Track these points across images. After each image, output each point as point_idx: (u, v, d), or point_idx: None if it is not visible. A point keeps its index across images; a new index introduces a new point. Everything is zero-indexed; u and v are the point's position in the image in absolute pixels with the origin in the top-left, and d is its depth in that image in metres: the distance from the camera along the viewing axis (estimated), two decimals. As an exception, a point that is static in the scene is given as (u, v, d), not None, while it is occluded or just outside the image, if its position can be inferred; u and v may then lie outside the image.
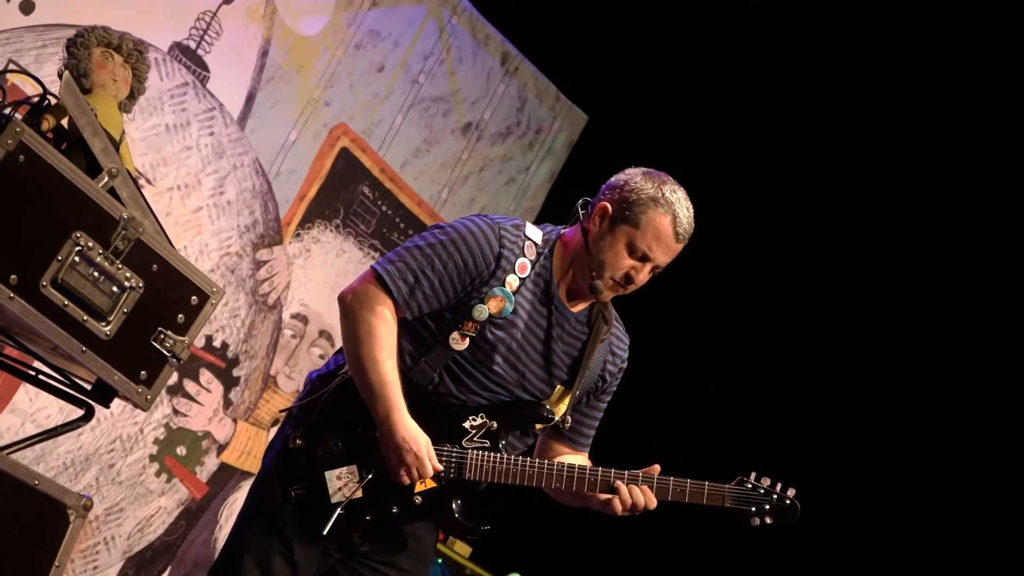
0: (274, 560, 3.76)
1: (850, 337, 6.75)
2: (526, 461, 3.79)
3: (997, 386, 6.37)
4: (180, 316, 3.53)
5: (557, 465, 3.80)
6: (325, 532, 3.68)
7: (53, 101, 3.46)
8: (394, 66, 6.67)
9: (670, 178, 3.86)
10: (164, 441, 6.15)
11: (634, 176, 3.85)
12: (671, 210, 3.78)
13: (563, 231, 3.94)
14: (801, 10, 6.63)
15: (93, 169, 3.42)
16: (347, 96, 6.52)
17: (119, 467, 5.97)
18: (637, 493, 3.80)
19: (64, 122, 3.46)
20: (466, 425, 3.78)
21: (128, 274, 3.41)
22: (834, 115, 6.76)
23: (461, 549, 6.80)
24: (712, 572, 6.93)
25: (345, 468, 3.74)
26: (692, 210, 3.83)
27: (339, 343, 4.00)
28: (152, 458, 6.10)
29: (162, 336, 3.49)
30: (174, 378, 5.61)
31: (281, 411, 3.95)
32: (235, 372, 6.36)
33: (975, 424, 6.38)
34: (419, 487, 3.74)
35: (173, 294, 3.51)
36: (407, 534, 3.84)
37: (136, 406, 3.51)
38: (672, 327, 6.72)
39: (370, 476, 3.70)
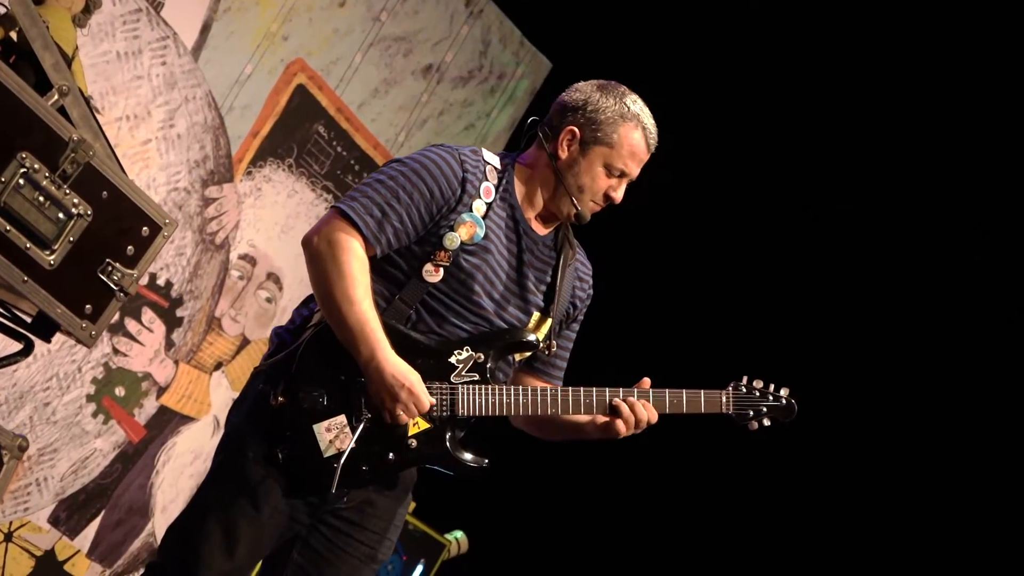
0: (239, 522, 3.64)
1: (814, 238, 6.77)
2: (519, 390, 3.75)
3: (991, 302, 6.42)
4: (129, 248, 3.38)
5: (551, 390, 3.77)
6: (334, 489, 3.59)
7: (1, 11, 3.23)
8: (356, 2, 6.55)
9: (623, 87, 3.86)
10: (102, 381, 6.03)
11: (591, 94, 3.82)
12: (640, 122, 3.81)
13: (519, 157, 3.89)
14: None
15: (42, 85, 3.24)
16: (306, 31, 6.40)
17: (54, 406, 5.87)
18: (639, 408, 3.79)
19: (13, 34, 3.28)
20: (452, 360, 3.71)
21: (76, 200, 3.26)
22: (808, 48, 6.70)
23: None
24: (657, 518, 6.92)
25: (334, 419, 3.63)
26: (652, 116, 3.86)
27: (288, 286, 3.83)
28: (89, 398, 6.00)
29: (110, 268, 3.34)
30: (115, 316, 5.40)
31: (256, 369, 3.80)
32: (178, 312, 6.25)
33: (968, 327, 6.44)
34: (412, 429, 3.66)
35: (123, 224, 3.35)
36: (381, 492, 3.76)
37: (79, 342, 3.33)
38: (629, 241, 6.67)
39: (362, 424, 3.60)
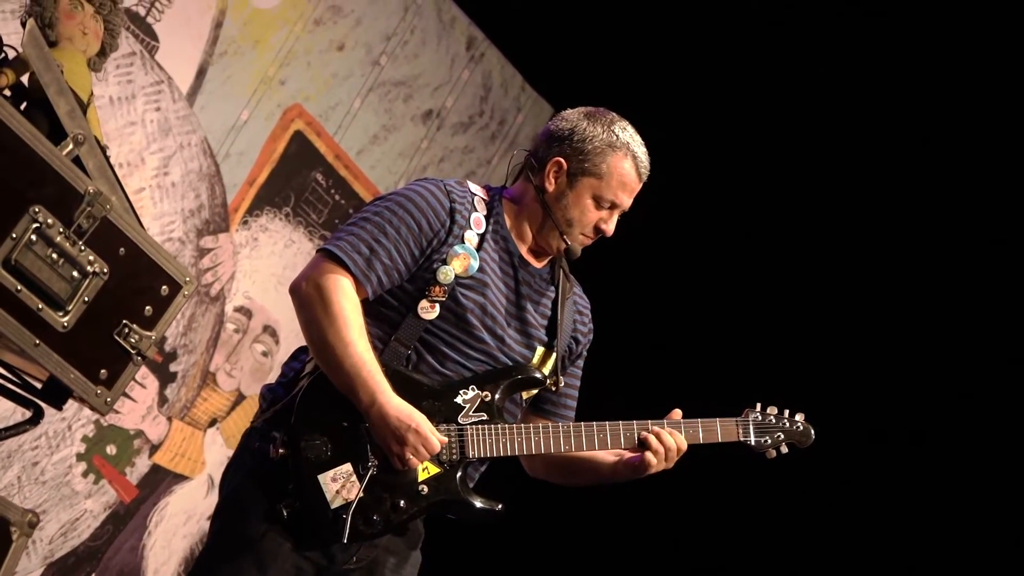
0: None
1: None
2: (530, 428, 3.62)
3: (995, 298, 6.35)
4: (148, 308, 3.18)
5: (564, 426, 3.67)
6: (345, 539, 3.42)
7: (12, 54, 3.03)
8: (355, 45, 6.46)
9: (612, 113, 3.76)
10: (93, 439, 5.87)
11: (578, 122, 3.71)
12: (629, 151, 3.70)
13: (503, 189, 3.80)
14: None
15: (56, 134, 3.08)
16: (304, 75, 6.31)
17: (43, 465, 5.71)
18: (666, 437, 3.68)
19: (24, 79, 3.06)
20: (458, 400, 3.57)
21: (92, 257, 3.06)
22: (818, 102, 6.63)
23: None
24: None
25: (339, 468, 3.47)
26: (643, 143, 3.75)
27: (284, 339, 3.66)
28: (80, 457, 5.83)
29: (127, 330, 3.15)
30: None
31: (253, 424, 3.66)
32: (172, 367, 6.11)
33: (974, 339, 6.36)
34: (422, 475, 3.51)
35: (141, 282, 3.16)
36: (391, 549, 3.61)
37: (94, 409, 3.14)
38: (621, 271, 6.51)
39: (370, 471, 3.45)
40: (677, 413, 3.75)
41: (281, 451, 3.47)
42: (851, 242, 6.62)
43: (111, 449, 5.96)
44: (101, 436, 5.91)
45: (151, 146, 5.81)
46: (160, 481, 6.20)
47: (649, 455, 3.67)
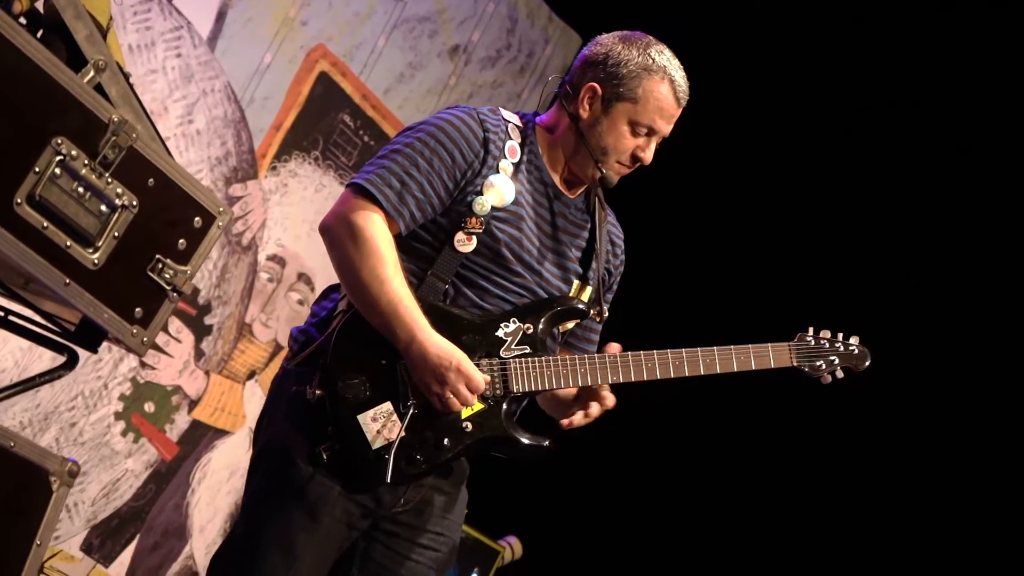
0: (297, 538, 3.39)
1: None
2: (575, 359, 3.52)
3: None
4: (181, 241, 3.03)
5: (610, 357, 3.55)
6: (388, 479, 3.33)
7: (24, -21, 2.87)
8: None
9: (650, 37, 3.64)
10: (130, 397, 5.85)
11: (613, 46, 3.59)
12: (666, 75, 3.56)
13: (539, 116, 3.69)
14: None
15: (75, 61, 2.89)
16: (326, 15, 6.19)
17: (81, 426, 5.69)
18: (607, 401, 3.60)
19: (40, 4, 2.93)
20: (499, 334, 3.47)
21: (120, 190, 2.90)
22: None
23: None
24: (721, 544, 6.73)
25: (379, 408, 3.38)
26: (682, 67, 3.61)
27: (320, 287, 3.54)
28: (118, 416, 5.81)
29: (160, 265, 3.00)
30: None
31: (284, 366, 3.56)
32: (207, 320, 6.08)
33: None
34: (465, 412, 3.41)
35: (173, 215, 3.00)
36: (438, 489, 3.52)
37: (130, 350, 3.00)
38: (663, 200, 6.47)
39: (411, 410, 3.36)
40: (614, 346, 3.61)
41: (318, 392, 3.38)
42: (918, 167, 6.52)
43: (149, 406, 5.93)
44: (139, 393, 5.87)
45: (173, 94, 5.74)
46: (201, 437, 6.18)
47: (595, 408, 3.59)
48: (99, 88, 2.90)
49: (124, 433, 5.85)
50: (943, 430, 6.21)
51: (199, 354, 6.05)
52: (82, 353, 3.12)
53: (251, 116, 6.04)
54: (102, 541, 5.90)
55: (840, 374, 3.71)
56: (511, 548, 6.65)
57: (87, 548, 5.85)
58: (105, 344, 3.07)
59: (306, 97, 6.22)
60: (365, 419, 3.36)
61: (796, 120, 6.65)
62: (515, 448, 3.48)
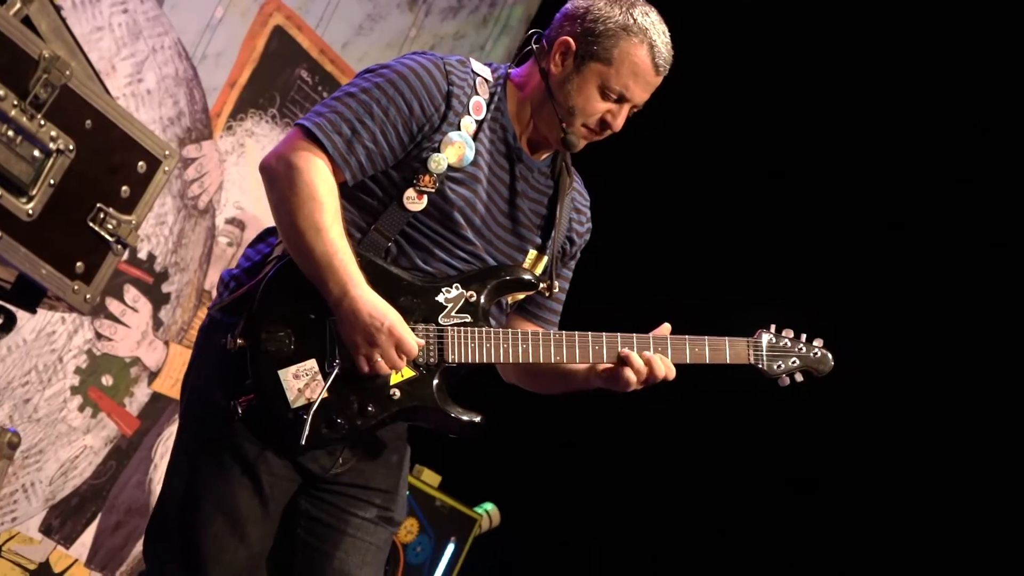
0: (240, 497, 3.26)
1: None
2: (517, 334, 3.37)
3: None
4: (124, 188, 2.92)
5: (555, 335, 3.41)
6: (303, 442, 3.17)
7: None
8: None
9: None
10: (87, 370, 5.67)
11: (596, 1, 3.41)
12: (646, 38, 3.37)
13: (511, 70, 3.51)
14: None
15: None
16: None
17: (36, 402, 5.53)
18: (656, 363, 3.42)
19: None
20: (439, 299, 3.32)
21: (54, 133, 2.79)
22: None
23: (429, 479, 6.47)
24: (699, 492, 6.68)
25: (303, 364, 3.22)
26: (668, 34, 3.43)
27: None
28: (74, 390, 5.65)
29: (102, 215, 2.88)
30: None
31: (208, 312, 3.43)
32: (164, 288, 5.91)
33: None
34: (394, 378, 3.26)
35: (114, 159, 2.89)
36: (378, 444, 3.40)
37: (72, 308, 2.85)
38: (635, 168, 6.34)
39: (335, 370, 3.20)
40: (665, 328, 3.51)
41: (239, 342, 3.22)
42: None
43: (107, 380, 5.79)
44: (95, 366, 5.73)
45: (121, 52, 5.55)
46: (162, 410, 6.03)
47: (629, 373, 3.42)
48: (27, 21, 2.75)
49: (81, 408, 5.71)
50: (936, 428, 6.18)
51: (158, 323, 5.91)
52: (36, 324, 2.90)
53: (204, 73, 5.87)
54: (62, 521, 5.77)
55: (799, 378, 3.59)
56: (488, 516, 6.56)
57: (46, 529, 5.73)
58: (58, 317, 2.85)
59: (261, 52, 6.07)
60: (287, 375, 3.21)
61: (787, 101, 6.55)
62: (444, 421, 3.33)
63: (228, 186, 6.06)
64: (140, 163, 2.82)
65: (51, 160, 2.71)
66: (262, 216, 6.09)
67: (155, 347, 5.92)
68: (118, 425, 5.86)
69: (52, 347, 5.51)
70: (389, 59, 6.15)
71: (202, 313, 6.03)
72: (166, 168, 2.83)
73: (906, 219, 6.31)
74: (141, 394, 5.92)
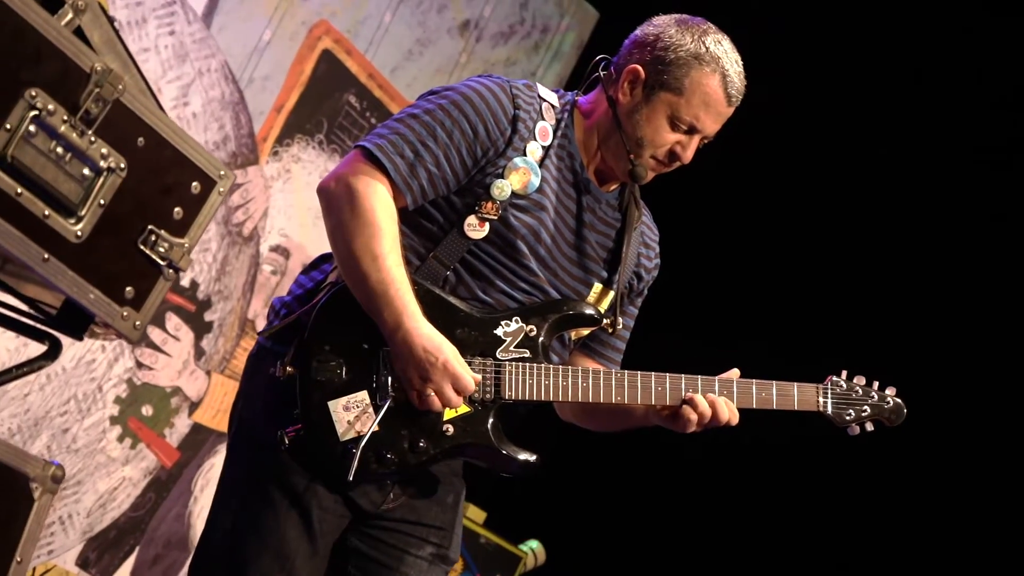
0: (288, 535, 3.17)
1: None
2: (577, 371, 3.27)
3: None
4: (177, 210, 2.75)
5: (617, 374, 3.31)
6: (350, 477, 3.08)
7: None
8: None
9: (711, 25, 3.37)
10: (127, 400, 5.65)
11: (667, 28, 3.33)
12: (719, 67, 3.29)
13: (578, 97, 3.43)
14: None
15: (51, 1, 2.59)
16: None
17: (74, 432, 5.50)
18: (720, 407, 3.31)
19: None
20: (498, 332, 3.22)
21: (105, 150, 2.62)
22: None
23: (474, 515, 6.40)
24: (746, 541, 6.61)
25: (353, 396, 3.13)
26: (741, 63, 3.34)
27: None
28: (113, 420, 5.62)
29: (153, 238, 2.71)
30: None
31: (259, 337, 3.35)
32: (207, 316, 5.89)
33: None
34: (448, 413, 3.16)
35: (167, 179, 2.72)
36: (432, 480, 3.31)
37: (121, 336, 2.73)
38: (703, 204, 6.24)
39: (388, 403, 3.11)
40: (734, 373, 3.40)
41: (289, 370, 3.13)
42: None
43: (147, 410, 5.77)
44: (135, 396, 5.70)
45: (167, 74, 5.54)
46: (203, 441, 6.03)
47: (692, 415, 3.32)
48: (79, 32, 2.61)
49: (121, 439, 5.67)
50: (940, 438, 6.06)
51: (199, 353, 5.88)
52: (76, 352, 2.79)
53: (250, 97, 5.86)
54: (99, 555, 5.74)
55: (870, 427, 3.48)
56: (534, 553, 6.49)
57: (83, 563, 5.70)
58: (99, 344, 2.72)
59: (309, 77, 6.05)
60: (336, 406, 3.12)
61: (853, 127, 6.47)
62: (498, 459, 3.23)
63: (273, 213, 6.03)
64: (194, 183, 2.69)
65: (101, 179, 2.57)
66: (308, 244, 6.11)
67: (196, 377, 5.89)
68: (158, 456, 5.84)
69: (92, 376, 5.49)
70: (438, 84, 6.22)
71: (245, 343, 6.03)
72: (221, 189, 2.70)
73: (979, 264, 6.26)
74: (182, 425, 5.89)
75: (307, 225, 6.11)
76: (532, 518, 6.49)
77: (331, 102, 6.14)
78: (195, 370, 5.87)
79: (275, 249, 6.08)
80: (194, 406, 5.91)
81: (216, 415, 5.98)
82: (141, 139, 2.61)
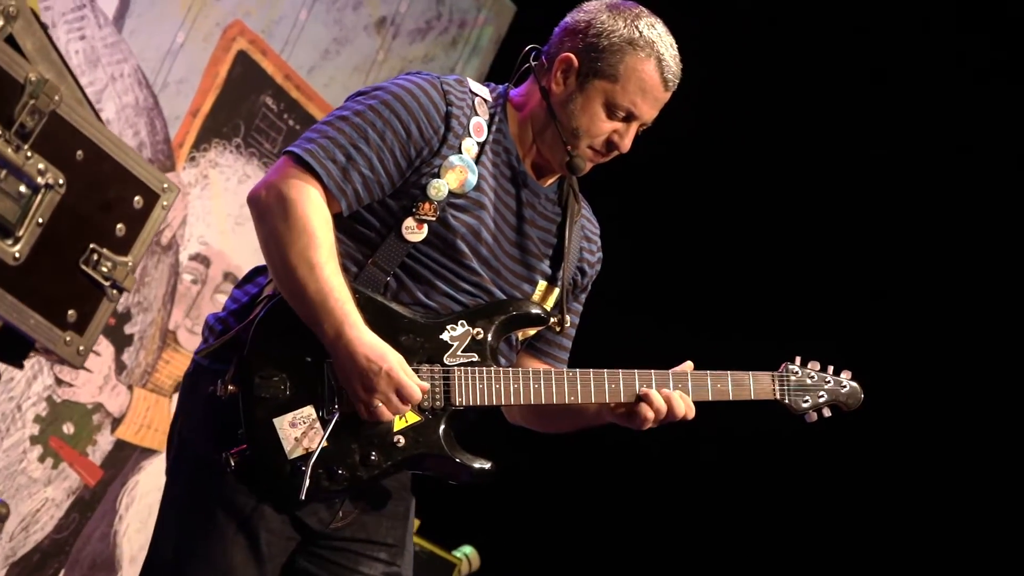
0: (235, 559, 3.08)
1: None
2: (528, 373, 3.21)
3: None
4: (119, 226, 2.73)
5: (568, 374, 3.25)
6: (303, 496, 3.01)
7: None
8: None
9: (643, 8, 3.32)
10: (47, 418, 5.52)
11: (598, 14, 3.28)
12: (654, 52, 3.24)
13: (510, 91, 3.37)
14: None
15: None
16: None
17: None
18: (676, 401, 3.26)
19: None
20: (444, 337, 3.16)
21: (42, 166, 2.57)
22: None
23: None
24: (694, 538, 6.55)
25: (299, 411, 3.06)
26: (676, 46, 3.29)
27: None
28: (34, 440, 5.49)
29: (96, 257, 2.69)
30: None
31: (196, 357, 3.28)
32: (127, 329, 5.74)
33: None
34: (398, 424, 3.10)
35: (108, 194, 2.68)
36: (382, 495, 3.24)
37: (63, 361, 2.69)
38: (643, 193, 6.20)
39: (335, 417, 3.04)
40: (688, 366, 3.37)
41: (231, 388, 3.06)
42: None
43: (68, 428, 5.65)
44: (56, 414, 5.58)
45: (79, 80, 5.28)
46: (127, 458, 5.90)
47: (647, 411, 3.27)
48: (11, 41, 2.52)
49: (42, 458, 5.55)
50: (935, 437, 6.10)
51: (120, 367, 5.76)
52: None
53: (165, 102, 5.72)
54: None
55: (827, 412, 3.46)
56: (468, 559, 6.44)
57: None
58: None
59: (224, 79, 5.93)
60: (282, 423, 3.05)
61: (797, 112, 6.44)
62: (452, 468, 3.16)
63: (192, 220, 5.92)
64: (136, 198, 2.61)
65: (39, 196, 2.51)
66: (228, 251, 6.02)
67: (118, 392, 5.78)
68: (80, 475, 5.72)
69: (10, 395, 5.38)
70: (356, 84, 6.12)
71: (167, 355, 5.93)
72: (165, 203, 2.61)
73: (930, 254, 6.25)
74: (104, 442, 5.78)
75: (227, 232, 6.02)
76: (464, 524, 6.42)
77: (247, 104, 6.04)
78: (116, 385, 5.77)
79: (195, 257, 5.98)
80: (116, 422, 5.80)
81: (140, 430, 5.88)
82: (80, 152, 2.54)
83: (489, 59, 6.97)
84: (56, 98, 2.42)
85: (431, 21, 6.65)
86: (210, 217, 5.96)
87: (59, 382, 5.52)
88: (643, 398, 3.24)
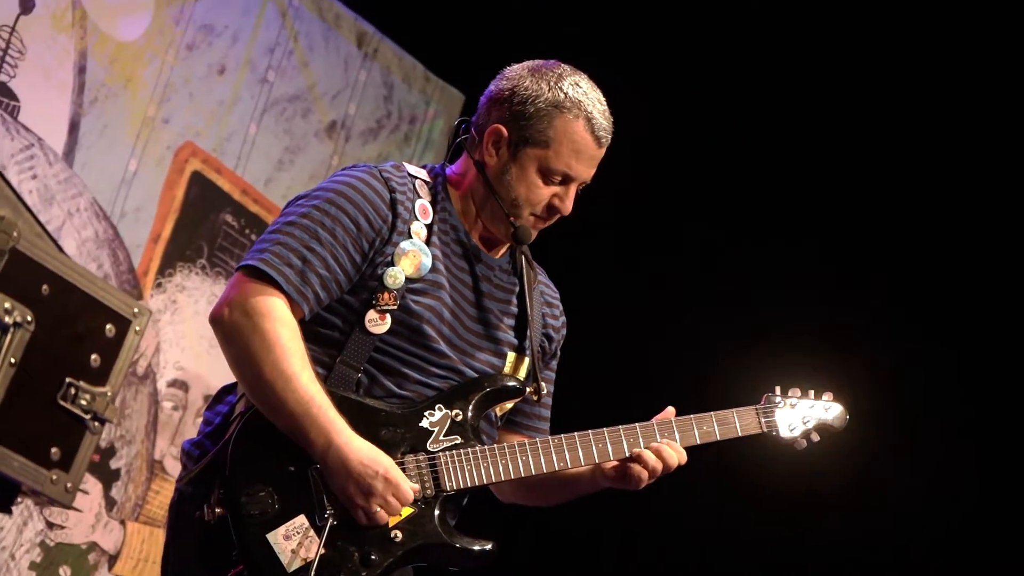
0: None
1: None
2: (514, 447, 3.20)
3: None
4: (94, 357, 2.61)
5: (554, 441, 3.25)
6: None
7: None
8: (237, 65, 6.03)
9: (565, 67, 3.30)
10: (42, 564, 5.46)
11: (520, 80, 3.26)
12: (582, 112, 3.23)
13: (447, 168, 3.39)
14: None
15: None
16: (187, 108, 5.88)
17: None
18: (667, 452, 3.26)
19: None
20: (424, 424, 3.15)
21: (8, 304, 2.47)
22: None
23: None
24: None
25: (291, 523, 3.04)
26: (603, 100, 3.29)
27: None
28: None
29: (73, 391, 2.57)
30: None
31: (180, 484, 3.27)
32: (112, 464, 5.70)
33: None
34: (393, 519, 3.08)
35: (78, 326, 2.58)
36: None
37: (53, 501, 2.58)
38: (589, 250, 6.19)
39: (329, 521, 3.02)
40: (670, 412, 3.35)
41: (218, 511, 3.04)
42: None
43: (65, 571, 5.58)
44: (50, 559, 5.52)
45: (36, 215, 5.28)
46: None
47: (639, 470, 3.27)
48: None
49: None
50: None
51: (110, 503, 5.70)
52: (-10, 517, 2.60)
53: (125, 231, 5.70)
54: None
55: (816, 437, 3.45)
56: None
57: None
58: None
59: (181, 202, 5.92)
60: (276, 537, 3.02)
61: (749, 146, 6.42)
62: (454, 555, 3.15)
63: (165, 347, 5.88)
64: (108, 326, 2.55)
65: (8, 336, 2.44)
66: (206, 373, 5.98)
67: (111, 528, 5.72)
68: None
69: (2, 545, 5.34)
70: None
71: (156, 485, 5.88)
72: (137, 328, 2.55)
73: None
74: None
75: (202, 354, 5.98)
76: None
77: (208, 224, 6.02)
78: (109, 521, 5.70)
79: (173, 384, 5.93)
80: (113, 559, 5.73)
81: (137, 565, 5.81)
82: (45, 287, 2.47)
83: (443, 151, 6.91)
84: (15, 234, 2.38)
85: (381, 120, 6.66)
86: (184, 342, 5.93)
87: (50, 525, 5.47)
88: (636, 459, 3.22)
